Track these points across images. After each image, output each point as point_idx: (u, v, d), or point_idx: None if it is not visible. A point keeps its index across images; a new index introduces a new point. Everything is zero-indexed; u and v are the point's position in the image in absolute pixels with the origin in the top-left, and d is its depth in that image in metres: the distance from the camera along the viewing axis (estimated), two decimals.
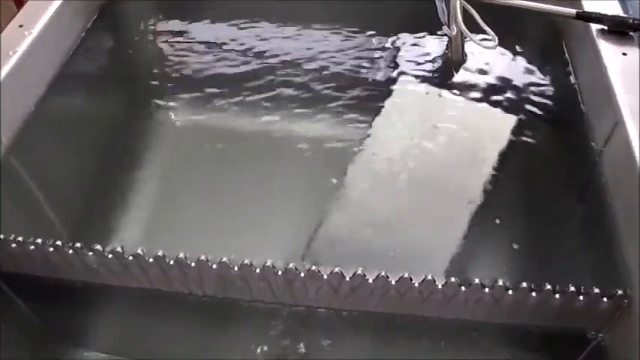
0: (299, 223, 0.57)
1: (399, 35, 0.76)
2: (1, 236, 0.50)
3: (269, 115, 0.68)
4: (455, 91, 0.69)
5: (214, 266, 0.48)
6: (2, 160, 0.57)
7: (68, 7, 0.68)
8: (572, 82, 0.66)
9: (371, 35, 0.76)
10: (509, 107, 0.67)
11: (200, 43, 0.76)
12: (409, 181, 0.61)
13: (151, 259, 0.48)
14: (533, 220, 0.57)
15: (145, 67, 0.76)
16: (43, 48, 0.64)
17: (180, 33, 0.78)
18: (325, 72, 0.72)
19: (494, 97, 0.68)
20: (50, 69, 0.66)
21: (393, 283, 0.47)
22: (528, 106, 0.67)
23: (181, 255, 0.48)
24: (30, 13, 0.64)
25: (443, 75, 0.71)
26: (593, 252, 0.53)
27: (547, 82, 0.69)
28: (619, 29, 0.60)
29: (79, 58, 0.69)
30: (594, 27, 0.61)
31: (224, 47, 0.76)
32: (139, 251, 0.48)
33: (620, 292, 0.45)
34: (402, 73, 0.72)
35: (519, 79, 0.69)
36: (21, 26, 0.63)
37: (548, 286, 0.45)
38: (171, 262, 0.48)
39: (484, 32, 0.66)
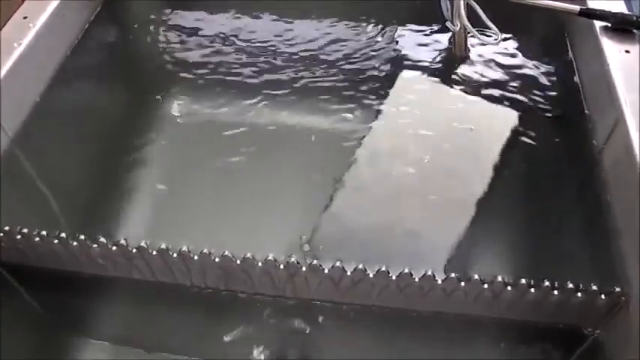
0: (301, 217, 0.58)
1: (403, 29, 0.76)
2: (7, 228, 0.50)
3: (272, 108, 0.68)
4: (457, 86, 0.69)
5: (217, 259, 0.49)
6: (7, 152, 0.58)
7: None
8: (575, 79, 0.66)
9: (374, 29, 0.76)
10: (511, 103, 0.67)
11: (204, 36, 0.76)
12: (411, 175, 0.61)
13: (154, 252, 0.49)
14: (532, 216, 0.58)
15: (148, 60, 0.76)
16: (48, 40, 0.64)
17: (184, 26, 0.78)
18: (328, 66, 0.72)
19: (497, 93, 0.68)
20: (54, 61, 0.66)
21: (394, 278, 0.47)
22: (530, 103, 0.67)
23: (184, 248, 0.48)
24: (34, 5, 0.64)
25: (446, 70, 0.71)
26: (591, 249, 0.54)
27: (549, 79, 0.69)
28: (622, 27, 0.60)
29: (83, 51, 0.70)
30: (598, 24, 0.61)
31: (228, 41, 0.76)
32: (143, 244, 0.49)
33: (617, 289, 0.46)
34: (404, 67, 0.72)
35: (521, 75, 0.69)
36: (25, 18, 0.63)
37: (547, 283, 0.46)
38: (175, 255, 0.49)
39: (487, 28, 0.66)
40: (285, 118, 0.68)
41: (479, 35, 0.67)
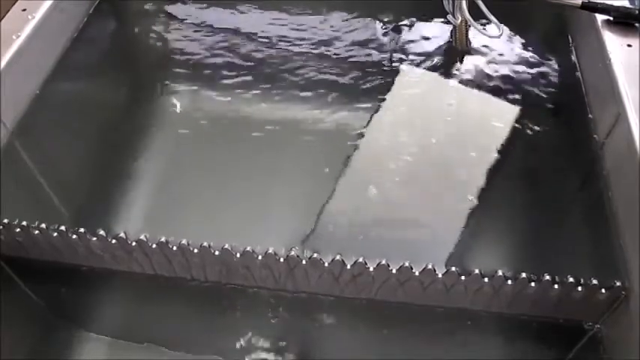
0: (301, 210, 0.58)
1: (404, 22, 0.76)
2: (6, 221, 0.50)
3: (272, 101, 0.68)
4: (458, 80, 0.69)
5: (217, 253, 0.49)
6: (6, 144, 0.58)
7: None
8: (576, 72, 0.65)
9: (375, 22, 0.76)
10: (512, 97, 0.67)
11: (203, 27, 0.76)
12: (412, 168, 0.61)
13: (154, 245, 0.49)
14: (533, 210, 0.58)
15: (147, 52, 0.75)
16: (47, 32, 0.63)
17: (184, 18, 0.77)
18: (329, 59, 0.72)
19: (498, 87, 0.68)
20: (53, 53, 0.66)
21: (394, 271, 0.47)
22: (531, 97, 0.66)
23: (184, 241, 0.48)
24: None
25: (447, 63, 0.71)
26: (592, 243, 0.53)
27: (551, 73, 0.68)
28: (624, 20, 0.60)
29: (82, 43, 0.69)
30: (599, 18, 0.61)
31: (228, 32, 0.75)
32: (142, 237, 0.49)
33: (618, 283, 0.46)
34: (405, 60, 0.71)
35: (523, 69, 0.69)
36: (24, 10, 0.62)
37: (547, 277, 0.46)
38: (174, 249, 0.49)
39: (489, 21, 0.66)
40: (286, 112, 0.67)
41: (480, 29, 0.67)
